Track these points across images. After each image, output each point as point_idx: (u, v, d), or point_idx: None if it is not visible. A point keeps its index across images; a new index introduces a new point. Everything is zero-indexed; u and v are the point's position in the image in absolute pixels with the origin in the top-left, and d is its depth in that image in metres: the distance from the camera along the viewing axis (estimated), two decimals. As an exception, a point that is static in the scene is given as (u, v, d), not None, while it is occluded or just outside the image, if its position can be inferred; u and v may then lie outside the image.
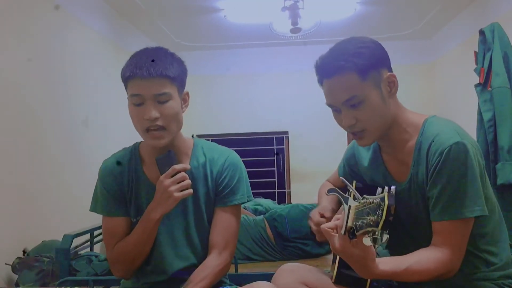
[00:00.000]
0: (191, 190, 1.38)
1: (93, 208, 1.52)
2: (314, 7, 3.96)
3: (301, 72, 4.61)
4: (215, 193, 1.49)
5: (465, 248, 1.24)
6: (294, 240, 3.32)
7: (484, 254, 1.30)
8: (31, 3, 2.90)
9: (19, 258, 2.47)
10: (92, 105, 3.64)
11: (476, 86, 2.75)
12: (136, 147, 1.53)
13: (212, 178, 1.49)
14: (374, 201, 1.04)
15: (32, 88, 2.85)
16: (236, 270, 2.58)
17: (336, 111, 1.33)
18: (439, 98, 5.27)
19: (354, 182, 1.48)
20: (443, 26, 4.91)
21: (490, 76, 2.64)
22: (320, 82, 1.33)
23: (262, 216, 3.57)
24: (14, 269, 2.43)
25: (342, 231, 1.08)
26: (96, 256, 2.61)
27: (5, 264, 2.44)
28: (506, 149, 2.52)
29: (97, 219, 1.71)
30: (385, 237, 1.00)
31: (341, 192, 1.21)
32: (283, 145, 5.78)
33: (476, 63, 2.79)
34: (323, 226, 1.19)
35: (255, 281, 1.37)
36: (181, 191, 1.36)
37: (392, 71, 1.32)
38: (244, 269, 2.96)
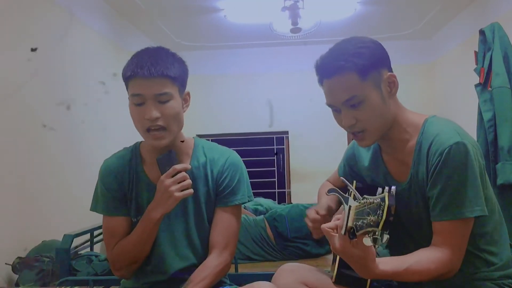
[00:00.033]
0: (191, 190, 1.37)
1: (94, 208, 1.52)
2: (314, 7, 3.96)
3: (301, 72, 4.61)
4: (215, 193, 1.49)
5: (465, 248, 1.25)
6: (294, 240, 3.32)
7: (484, 254, 1.30)
8: (31, 3, 2.90)
9: (19, 258, 2.47)
10: (92, 105, 3.64)
11: (476, 86, 2.75)
12: (136, 147, 1.53)
13: (212, 178, 1.49)
14: (375, 201, 1.04)
15: (32, 88, 2.85)
16: (236, 270, 2.59)
17: (336, 111, 1.33)
18: (439, 98, 5.27)
19: (354, 182, 1.48)
20: (443, 26, 4.91)
21: (490, 76, 2.64)
22: (320, 82, 1.33)
23: (262, 216, 3.57)
24: (14, 269, 2.44)
25: (342, 231, 1.09)
26: (96, 256, 2.61)
27: (5, 264, 2.44)
28: (506, 149, 2.52)
29: (97, 219, 1.71)
30: (386, 237, 1.00)
31: (341, 192, 1.21)
32: (283, 145, 5.78)
33: (476, 63, 2.79)
34: (323, 226, 1.19)
35: (255, 281, 1.37)
36: (182, 191, 1.36)
37: (392, 71, 1.32)
38: (244, 269, 2.96)
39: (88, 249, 2.91)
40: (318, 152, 5.31)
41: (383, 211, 1.00)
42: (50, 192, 2.97)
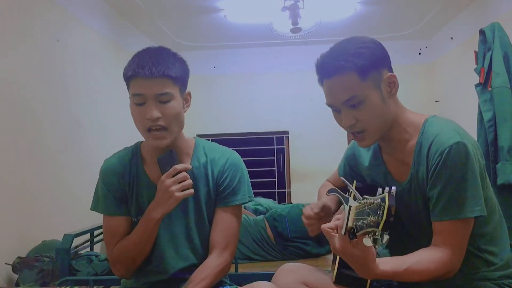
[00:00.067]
0: (192, 190, 1.38)
1: (94, 208, 1.53)
2: (314, 7, 3.96)
3: (301, 72, 4.62)
4: (216, 193, 1.49)
5: (465, 248, 1.25)
6: (295, 240, 3.33)
7: (485, 254, 1.30)
8: (31, 3, 2.90)
9: (19, 257, 2.47)
10: (92, 105, 3.64)
11: (476, 86, 2.75)
12: (137, 147, 1.53)
13: (213, 178, 1.49)
14: (375, 201, 1.04)
15: (32, 88, 2.85)
16: (236, 270, 2.59)
17: (336, 111, 1.33)
18: (439, 98, 5.27)
19: (355, 182, 1.48)
20: (443, 26, 4.91)
21: (490, 76, 2.64)
22: (320, 82, 1.33)
23: (262, 216, 3.57)
24: (15, 268, 2.44)
25: (343, 231, 1.09)
26: (96, 256, 2.61)
27: (6, 263, 2.44)
28: (506, 149, 2.52)
29: (97, 218, 1.71)
30: (386, 237, 1.00)
31: (341, 192, 1.21)
32: (283, 145, 5.78)
33: (476, 63, 2.79)
34: (323, 226, 1.19)
35: (255, 281, 1.37)
36: (182, 191, 1.36)
37: (392, 71, 1.32)
38: (244, 269, 2.97)
39: (88, 249, 2.91)
40: (318, 152, 5.31)
41: (383, 211, 1.00)
42: (50, 192, 2.97)
